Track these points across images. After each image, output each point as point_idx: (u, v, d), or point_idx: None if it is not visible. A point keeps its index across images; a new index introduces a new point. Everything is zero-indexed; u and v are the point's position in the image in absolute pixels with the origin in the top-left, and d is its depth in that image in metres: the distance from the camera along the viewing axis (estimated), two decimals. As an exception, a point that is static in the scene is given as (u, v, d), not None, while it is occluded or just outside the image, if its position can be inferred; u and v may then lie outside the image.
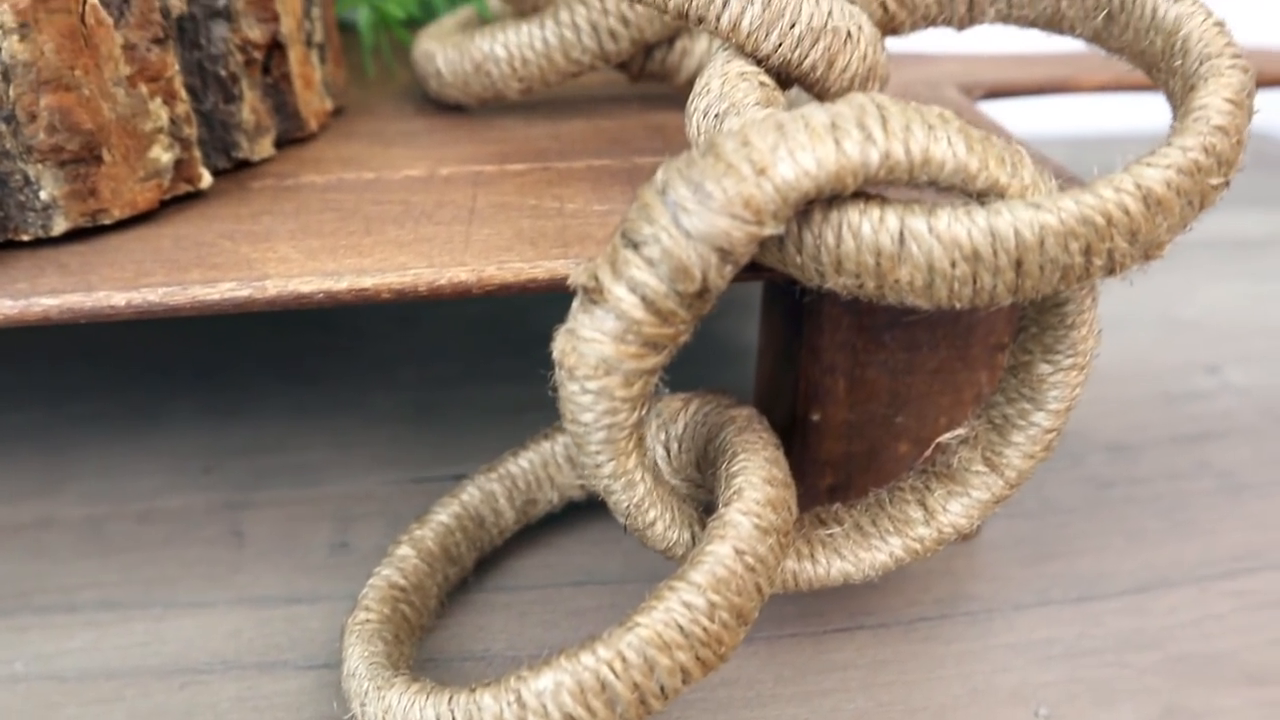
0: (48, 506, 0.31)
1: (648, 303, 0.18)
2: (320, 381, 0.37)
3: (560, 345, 0.19)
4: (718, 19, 0.22)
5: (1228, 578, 0.27)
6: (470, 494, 0.27)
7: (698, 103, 0.22)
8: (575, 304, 0.19)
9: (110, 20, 0.22)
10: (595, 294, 0.19)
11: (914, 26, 0.25)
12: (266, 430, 0.34)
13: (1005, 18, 0.25)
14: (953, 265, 0.18)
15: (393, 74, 0.36)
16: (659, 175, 0.18)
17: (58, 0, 0.21)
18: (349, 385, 0.36)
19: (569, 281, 0.19)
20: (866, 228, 0.18)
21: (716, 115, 0.21)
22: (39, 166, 0.22)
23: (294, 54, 0.28)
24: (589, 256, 0.22)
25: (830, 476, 0.27)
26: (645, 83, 0.30)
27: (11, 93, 0.21)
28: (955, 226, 0.18)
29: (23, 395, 0.36)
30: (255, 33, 0.26)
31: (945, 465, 0.23)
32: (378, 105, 0.32)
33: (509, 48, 0.28)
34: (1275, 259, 0.45)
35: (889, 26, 0.25)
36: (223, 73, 0.26)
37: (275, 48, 0.27)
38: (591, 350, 0.19)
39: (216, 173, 0.26)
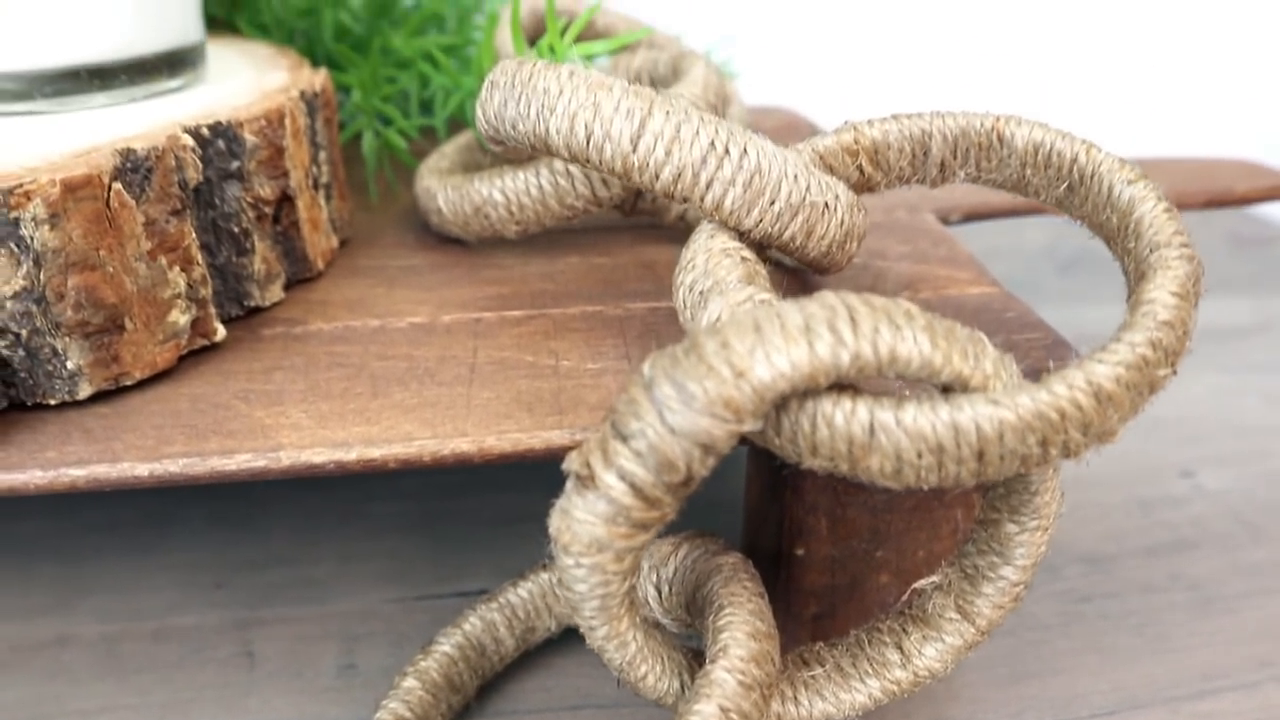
0: (64, 624, 0.32)
1: (636, 490, 0.20)
2: (325, 486, 0.38)
3: (556, 524, 0.20)
4: (701, 199, 0.23)
5: (1197, 698, 0.28)
6: (472, 624, 0.28)
7: (684, 277, 0.23)
8: (569, 485, 0.20)
9: (133, 201, 0.24)
10: (587, 480, 0.20)
11: (889, 185, 0.27)
12: (274, 541, 0.35)
13: (975, 179, 0.26)
14: (919, 456, 0.20)
15: (395, 194, 0.38)
16: (646, 370, 0.20)
17: (85, 189, 0.23)
18: (354, 491, 0.38)
19: (563, 467, 0.20)
20: (839, 418, 0.20)
21: (701, 292, 0.23)
22: (66, 340, 0.23)
23: (302, 201, 0.29)
24: (582, 426, 0.23)
25: (814, 605, 0.28)
26: (637, 216, 0.32)
27: (42, 276, 0.22)
28: (921, 420, 0.19)
29: (37, 501, 0.38)
30: (266, 190, 0.28)
31: (921, 609, 0.25)
32: (381, 233, 0.34)
33: (506, 193, 0.30)
34: (1247, 349, 0.47)
35: (865, 186, 0.27)
36: (235, 229, 0.27)
37: (285, 200, 0.28)
38: (584, 530, 0.20)
39: (229, 320, 0.28)
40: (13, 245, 0.22)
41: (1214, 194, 0.37)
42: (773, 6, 0.58)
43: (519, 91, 0.24)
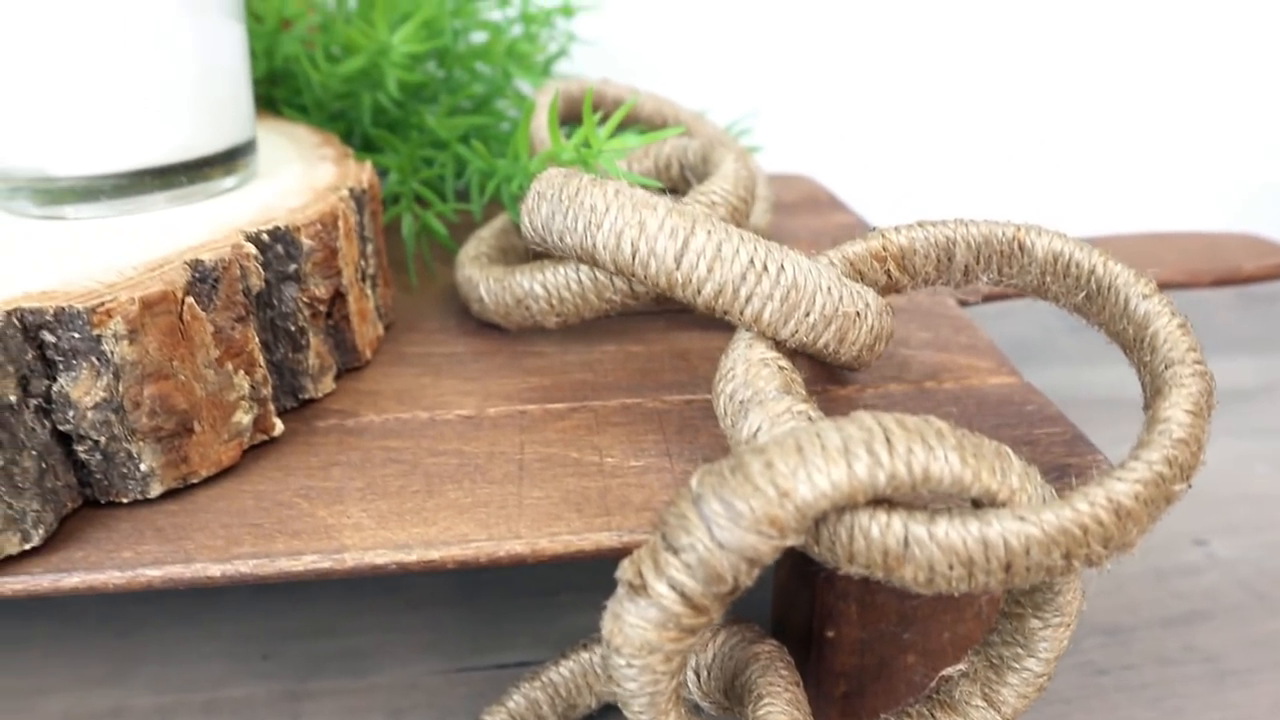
0: (119, 695, 0.33)
1: (686, 599, 0.21)
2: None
3: (608, 627, 0.22)
4: (741, 312, 0.25)
5: (1212, 773, 0.30)
6: (516, 701, 0.29)
7: (724, 386, 0.25)
8: (621, 591, 0.22)
9: (203, 312, 0.25)
10: (640, 589, 0.21)
11: (914, 288, 0.28)
12: (318, 611, 0.37)
13: (997, 284, 0.28)
14: (950, 568, 0.21)
15: (432, 272, 0.39)
16: (694, 485, 0.21)
17: (161, 304, 0.24)
18: (392, 559, 0.39)
19: (617, 575, 0.22)
20: (875, 531, 0.21)
21: (741, 402, 0.24)
22: (140, 444, 0.25)
23: (352, 295, 0.30)
24: (629, 529, 0.24)
25: (843, 685, 0.29)
26: (668, 303, 0.33)
27: (120, 387, 0.24)
28: (952, 535, 0.21)
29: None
30: (321, 289, 0.29)
31: (948, 696, 0.26)
32: (423, 317, 0.35)
33: (547, 287, 0.31)
34: (1255, 412, 0.48)
35: (892, 288, 0.28)
36: (292, 328, 0.29)
37: (337, 296, 0.30)
38: (635, 634, 0.21)
39: (284, 411, 0.29)
40: (94, 359, 0.24)
41: (1221, 273, 0.38)
42: (789, 78, 0.60)
43: (566, 206, 0.26)
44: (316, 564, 0.24)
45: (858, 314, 0.26)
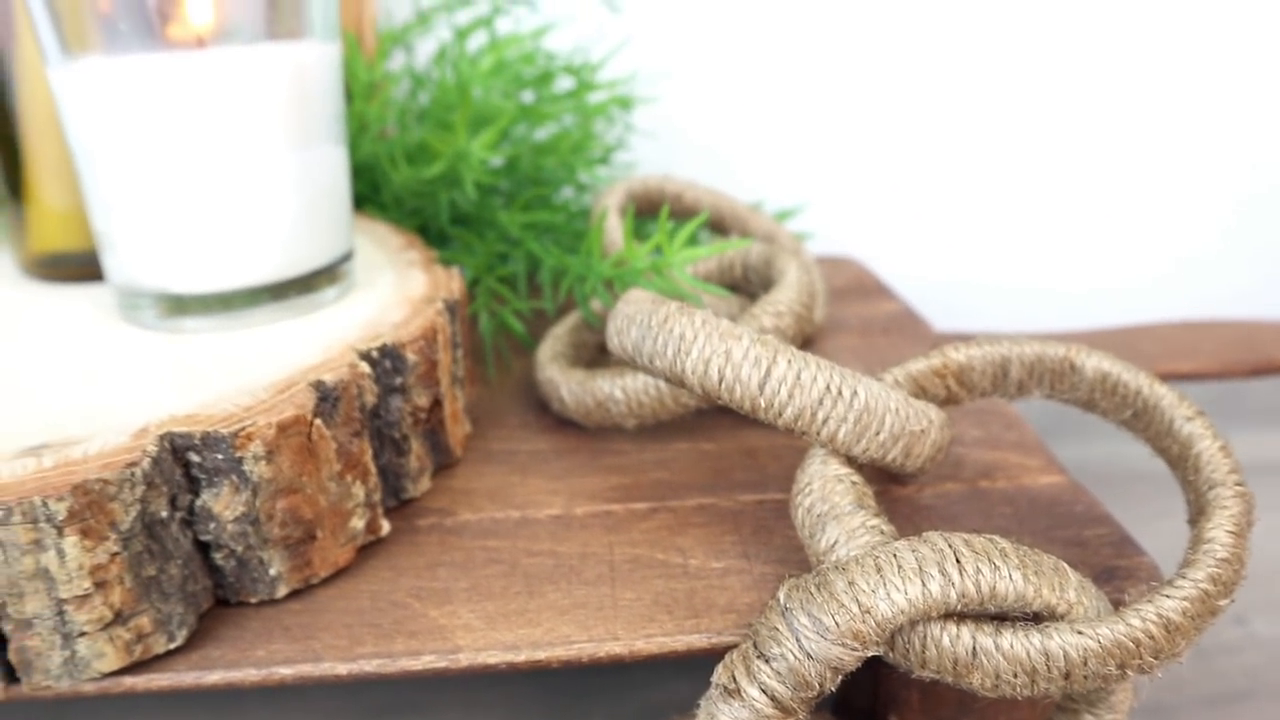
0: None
1: (775, 702, 0.23)
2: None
3: (704, 726, 0.24)
4: (818, 433, 0.27)
5: None
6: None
7: (802, 500, 0.27)
8: (715, 692, 0.24)
9: (329, 432, 0.28)
10: (733, 693, 0.24)
11: (972, 400, 0.30)
12: (404, 687, 0.39)
13: (1049, 398, 0.30)
14: (1014, 675, 0.23)
15: (507, 363, 0.42)
16: (783, 598, 0.24)
17: (294, 427, 0.27)
18: None
19: (712, 679, 0.24)
20: (946, 641, 0.23)
21: (819, 515, 0.26)
22: (271, 551, 0.27)
23: (447, 399, 0.33)
24: (716, 630, 0.26)
25: (907, 768, 0.31)
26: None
27: (257, 502, 0.26)
28: (1016, 646, 0.23)
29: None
30: (423, 399, 0.32)
31: (1009, 783, 0.28)
32: (504, 412, 0.38)
33: (626, 392, 0.34)
34: (1293, 487, 0.49)
35: (951, 400, 0.30)
36: (397, 435, 0.31)
37: (435, 403, 0.32)
38: (730, 734, 0.24)
39: (387, 510, 0.32)
40: (234, 477, 0.26)
41: (1257, 363, 0.40)
42: (835, 164, 0.62)
43: (656, 332, 0.28)
44: (434, 664, 0.26)
45: (922, 431, 0.28)
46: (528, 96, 0.50)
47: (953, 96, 0.62)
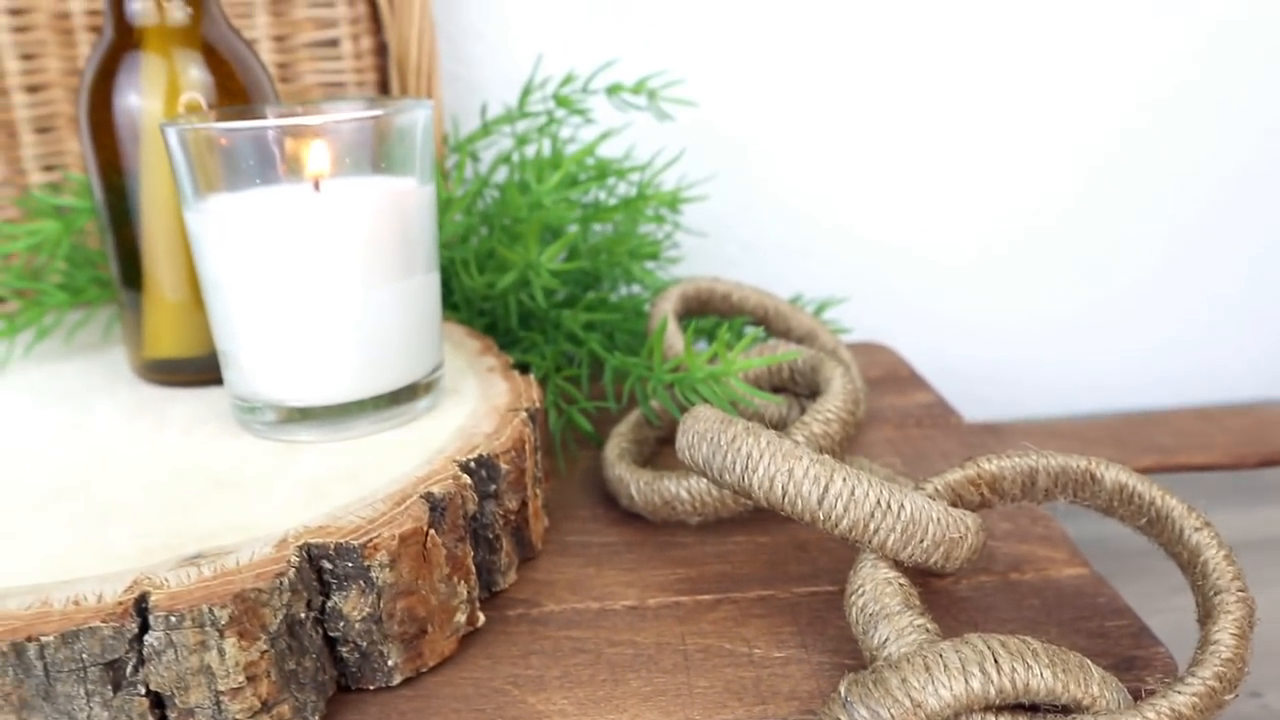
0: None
1: (839, 785, 0.27)
2: None
3: (775, 806, 0.28)
4: (869, 541, 0.31)
5: None
6: None
7: (855, 599, 0.31)
8: (785, 777, 0.28)
9: (440, 539, 0.32)
10: (802, 777, 0.27)
11: (1003, 505, 0.34)
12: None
13: (1073, 503, 0.34)
14: (1048, 762, 0.27)
15: (573, 453, 0.46)
16: (844, 691, 0.27)
17: (413, 537, 0.31)
18: None
19: (783, 766, 0.27)
20: (987, 731, 0.27)
21: (871, 614, 0.30)
22: (389, 645, 0.31)
23: (530, 498, 0.37)
24: (782, 716, 0.30)
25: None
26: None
27: (381, 604, 0.30)
28: (1050, 739, 0.26)
29: None
30: (513, 503, 0.36)
31: None
32: (575, 504, 0.42)
33: (691, 492, 0.37)
34: (1304, 563, 0.53)
35: (984, 505, 0.34)
36: (490, 535, 0.35)
37: (523, 505, 0.36)
38: (798, 813, 0.27)
39: (480, 603, 0.35)
40: (362, 583, 0.30)
41: (1265, 455, 0.44)
42: (871, 257, 0.67)
43: (725, 450, 0.32)
44: (536, 748, 0.30)
45: (960, 537, 0.32)
46: (584, 196, 0.54)
47: (975, 192, 0.66)
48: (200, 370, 0.42)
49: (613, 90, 0.54)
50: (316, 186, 0.36)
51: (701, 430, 0.33)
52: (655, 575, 0.37)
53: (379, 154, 0.36)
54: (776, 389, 0.45)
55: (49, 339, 0.48)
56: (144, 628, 0.27)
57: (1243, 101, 0.65)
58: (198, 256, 0.36)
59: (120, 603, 0.27)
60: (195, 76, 0.40)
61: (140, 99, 0.40)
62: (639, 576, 0.37)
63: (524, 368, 0.48)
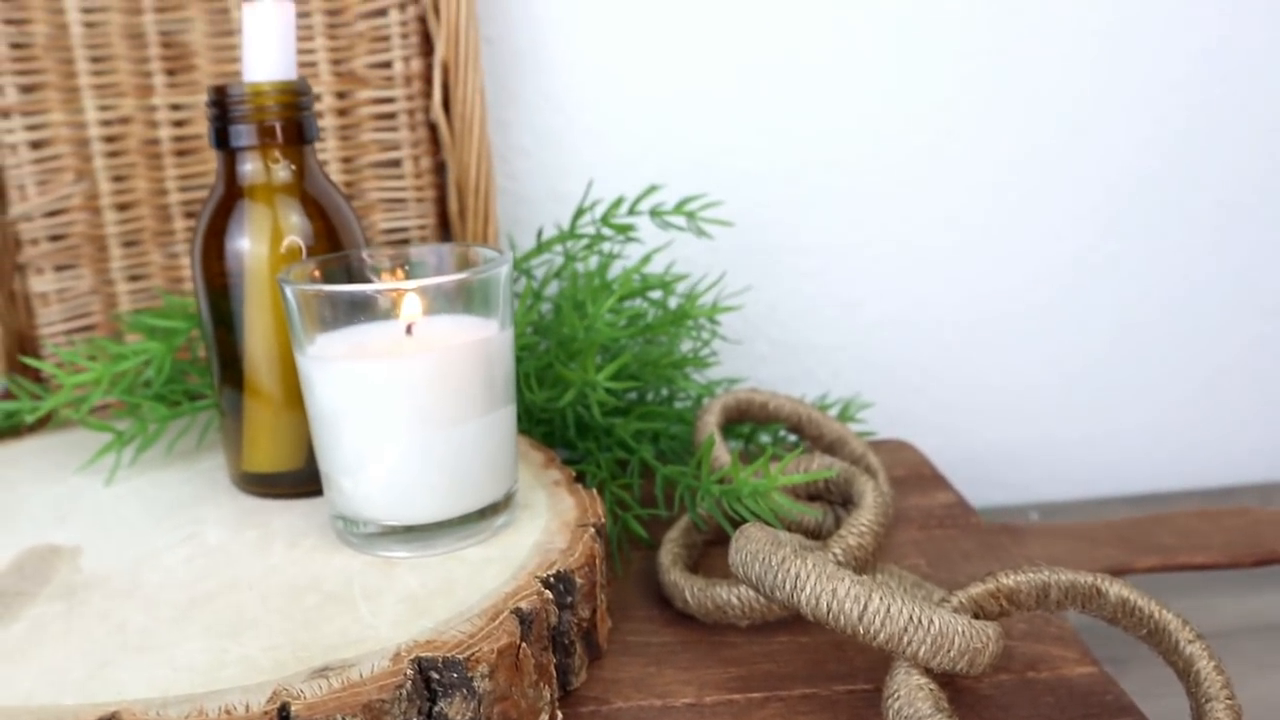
0: None
1: None
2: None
3: None
4: (903, 651, 0.35)
5: None
6: None
7: (891, 703, 0.35)
8: None
9: (529, 650, 0.36)
10: None
11: (1020, 614, 0.39)
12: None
13: (1081, 613, 0.38)
14: None
15: (629, 557, 0.50)
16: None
17: (508, 650, 0.35)
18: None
19: None
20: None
21: (905, 717, 0.34)
22: (485, 743, 0.35)
23: (599, 604, 0.42)
24: (831, 809, 0.34)
25: None
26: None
27: (481, 709, 0.35)
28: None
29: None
30: (585, 612, 0.40)
31: None
32: (632, 605, 0.46)
33: (741, 599, 0.42)
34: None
35: (1002, 614, 0.38)
36: (566, 641, 0.40)
37: (593, 613, 0.41)
38: None
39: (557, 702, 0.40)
40: (465, 690, 0.35)
41: (1263, 555, 0.48)
42: (894, 358, 0.72)
43: (775, 571, 0.37)
44: (615, 835, 0.34)
45: (983, 646, 0.36)
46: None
47: (991, 281, 0.71)
48: (294, 484, 0.47)
49: (655, 213, 0.59)
50: (409, 331, 0.41)
51: (754, 550, 0.38)
52: (710, 674, 0.41)
53: (465, 300, 0.41)
54: (813, 497, 0.49)
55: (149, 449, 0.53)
56: (287, 734, 0.32)
57: (1251, 187, 0.70)
58: (306, 392, 0.41)
59: (266, 712, 0.32)
60: (295, 223, 0.46)
61: (248, 243, 0.45)
62: (695, 675, 0.41)
63: (581, 476, 0.52)
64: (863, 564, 0.43)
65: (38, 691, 0.33)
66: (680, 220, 0.62)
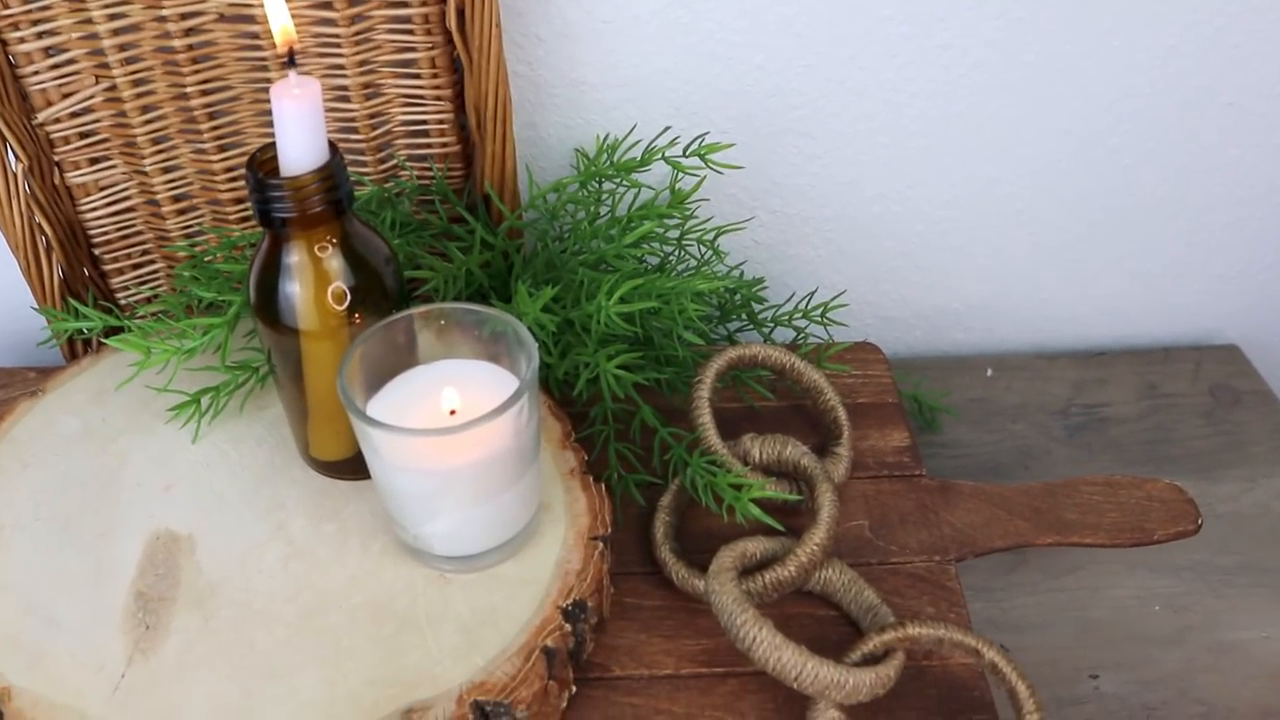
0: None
1: None
2: None
3: None
4: (827, 698, 0.49)
5: None
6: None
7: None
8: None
9: (554, 684, 0.49)
10: None
11: (919, 650, 0.51)
12: None
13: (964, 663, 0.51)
14: None
15: (631, 499, 0.62)
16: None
17: (538, 688, 0.48)
18: None
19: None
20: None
21: (821, 742, 0.49)
22: (522, 734, 0.50)
23: (604, 601, 0.54)
24: (762, 791, 0.50)
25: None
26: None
27: (518, 723, 0.49)
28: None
29: None
30: (594, 620, 0.53)
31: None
32: (629, 559, 0.59)
33: (714, 595, 0.54)
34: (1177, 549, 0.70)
35: (907, 652, 0.51)
36: (580, 639, 0.53)
37: (600, 616, 0.53)
38: None
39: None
40: (509, 716, 0.48)
41: (1139, 538, 0.59)
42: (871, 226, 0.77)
43: (736, 628, 0.49)
44: (613, 801, 0.50)
45: (884, 687, 0.49)
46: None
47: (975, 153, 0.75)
48: (359, 470, 0.57)
49: (669, 160, 0.63)
50: (452, 414, 0.49)
51: (722, 605, 0.50)
52: (686, 645, 0.55)
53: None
54: (783, 474, 0.60)
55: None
56: (392, 773, 0.46)
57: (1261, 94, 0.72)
58: (368, 458, 0.50)
59: (375, 759, 0.46)
60: (338, 270, 0.51)
61: (298, 293, 0.51)
62: (676, 645, 0.55)
63: (590, 442, 0.62)
64: (814, 569, 0.54)
65: (209, 724, 0.47)
66: (694, 162, 0.65)
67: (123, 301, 0.74)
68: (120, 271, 0.73)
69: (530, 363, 0.48)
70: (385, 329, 0.51)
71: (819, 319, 0.68)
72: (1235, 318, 0.86)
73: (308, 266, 0.50)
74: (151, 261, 0.73)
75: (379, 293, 0.52)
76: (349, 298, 0.51)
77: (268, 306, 0.51)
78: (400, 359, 0.52)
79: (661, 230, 0.64)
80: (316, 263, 0.50)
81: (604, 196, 0.65)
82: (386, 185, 0.68)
